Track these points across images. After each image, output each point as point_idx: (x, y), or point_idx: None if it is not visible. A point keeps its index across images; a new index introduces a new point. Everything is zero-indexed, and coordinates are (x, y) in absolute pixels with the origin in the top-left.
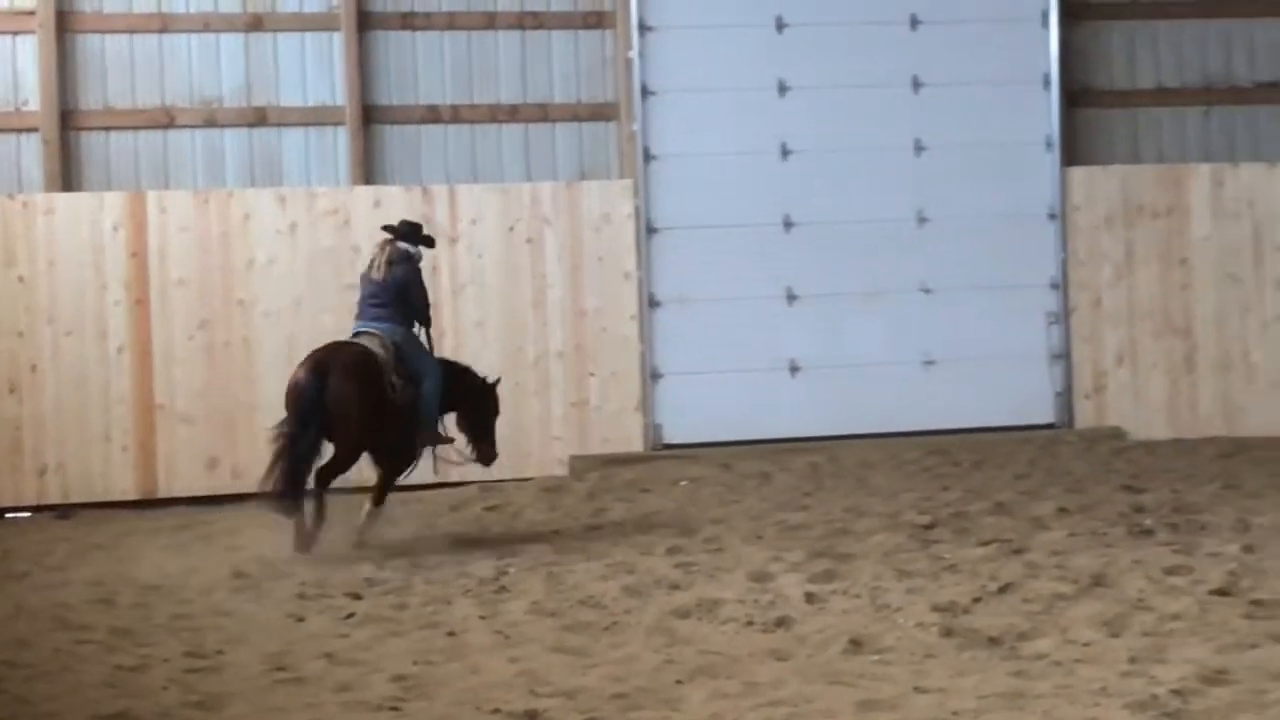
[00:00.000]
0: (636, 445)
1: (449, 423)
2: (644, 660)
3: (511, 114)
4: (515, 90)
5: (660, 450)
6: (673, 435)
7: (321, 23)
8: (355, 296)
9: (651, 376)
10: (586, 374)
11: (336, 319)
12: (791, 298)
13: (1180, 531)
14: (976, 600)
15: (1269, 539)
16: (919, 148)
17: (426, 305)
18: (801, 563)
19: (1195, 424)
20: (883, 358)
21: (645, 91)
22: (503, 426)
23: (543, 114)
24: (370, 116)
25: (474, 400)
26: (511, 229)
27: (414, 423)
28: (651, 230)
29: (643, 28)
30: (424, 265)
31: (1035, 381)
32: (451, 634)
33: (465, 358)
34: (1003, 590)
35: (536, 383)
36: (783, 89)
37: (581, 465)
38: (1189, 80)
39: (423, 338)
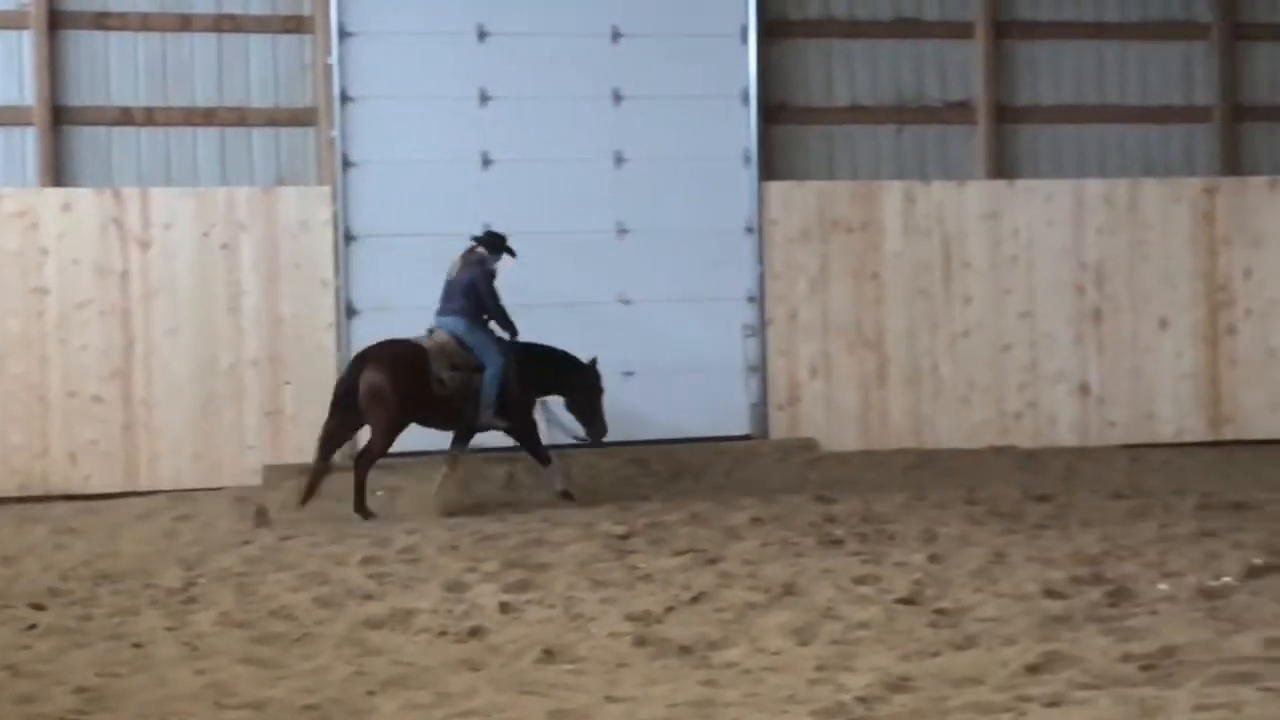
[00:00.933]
0: None
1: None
2: (335, 671)
3: (207, 117)
4: (211, 93)
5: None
6: None
7: (11, 21)
8: None
9: None
10: (282, 383)
11: (23, 323)
12: None
13: (869, 541)
14: (670, 609)
15: (954, 549)
16: (619, 160)
17: (496, 304)
18: (497, 572)
19: (885, 436)
20: None
21: (345, 97)
22: (195, 435)
23: (240, 118)
24: (60, 117)
25: (575, 383)
26: (206, 234)
27: (476, 406)
28: (350, 238)
29: (342, 33)
30: (116, 269)
31: (732, 393)
32: (137, 645)
33: (155, 366)
34: (695, 599)
35: (230, 391)
36: (484, 98)
37: (276, 475)
38: (883, 99)
39: (498, 332)
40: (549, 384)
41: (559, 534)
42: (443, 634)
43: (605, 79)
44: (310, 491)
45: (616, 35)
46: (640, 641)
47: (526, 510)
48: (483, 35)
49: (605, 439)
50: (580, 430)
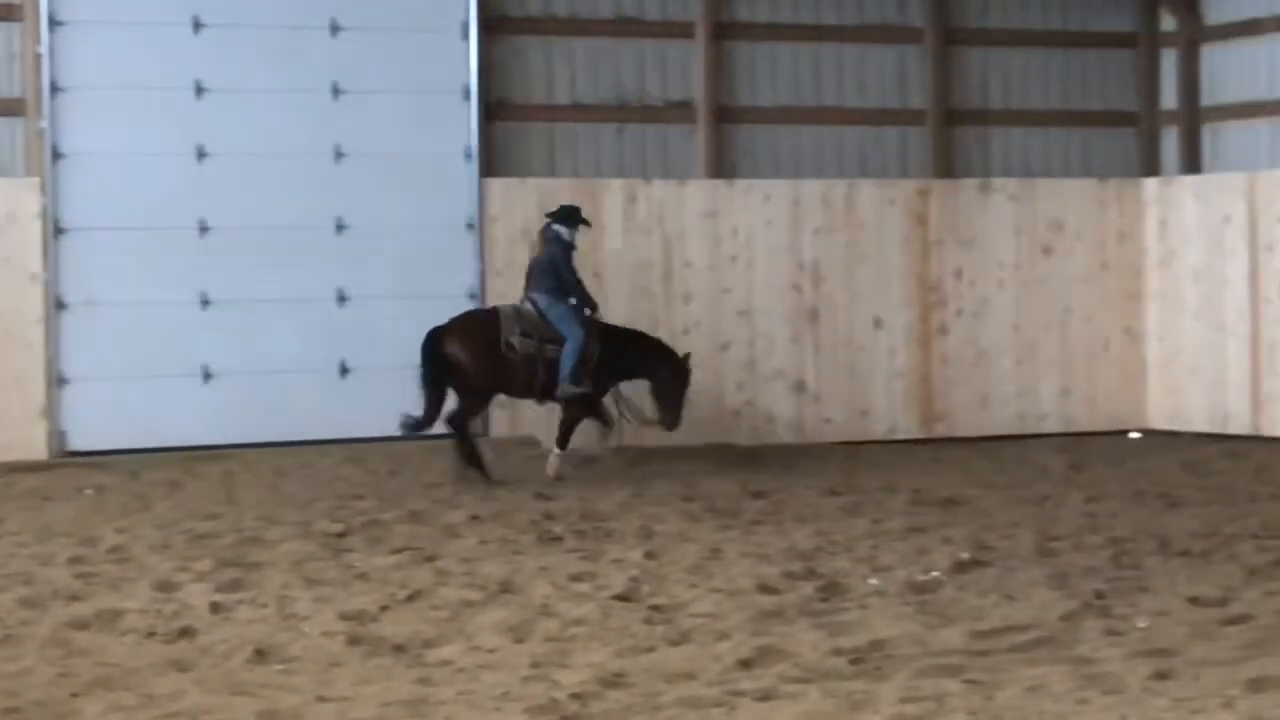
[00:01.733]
0: (40, 452)
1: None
2: (38, 673)
3: None
4: None
5: (65, 457)
6: (78, 442)
7: None
8: None
9: (57, 382)
10: None
11: None
12: (206, 303)
13: (587, 539)
14: (385, 608)
15: (670, 546)
16: (339, 155)
17: (574, 279)
18: (209, 572)
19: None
20: (298, 365)
21: (55, 88)
22: None
23: None
24: None
25: (663, 370)
26: None
27: (551, 376)
28: (59, 231)
29: (53, 22)
30: None
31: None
32: None
33: None
34: (411, 598)
35: None
36: (200, 90)
37: None
38: (604, 97)
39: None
40: (636, 367)
41: (274, 532)
42: (151, 635)
43: (324, 72)
44: (474, 461)
45: (336, 28)
46: (354, 640)
47: (240, 509)
48: (198, 26)
49: (674, 430)
50: (650, 415)
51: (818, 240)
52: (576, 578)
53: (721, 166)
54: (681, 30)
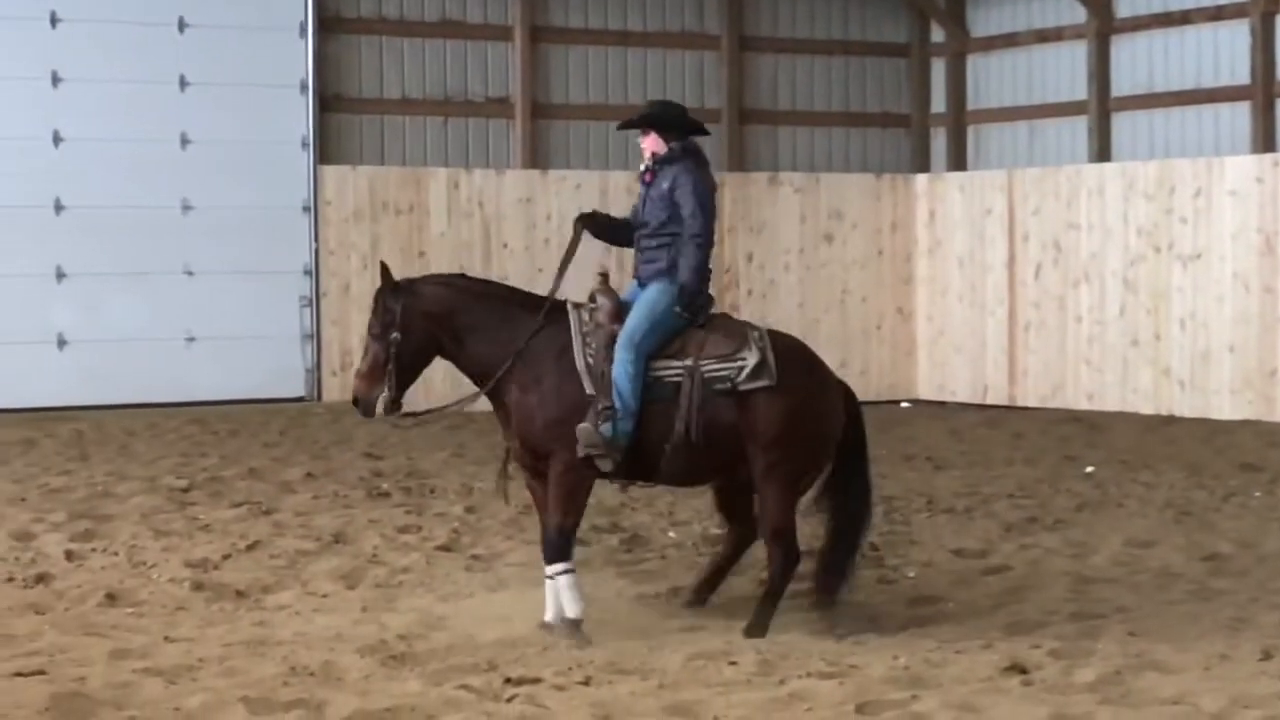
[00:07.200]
0: None
1: None
2: None
3: None
4: None
5: None
6: None
7: None
8: None
9: None
10: None
11: None
12: (61, 276)
13: (413, 495)
14: (226, 557)
15: (488, 501)
16: (185, 142)
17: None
18: (63, 523)
19: (430, 400)
20: (146, 334)
21: None
22: None
23: None
24: None
25: None
26: None
27: None
28: None
29: None
30: None
31: (289, 358)
32: None
33: None
34: (251, 548)
35: None
36: (56, 80)
37: None
38: (430, 92)
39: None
40: None
41: (124, 488)
42: (10, 580)
43: (172, 65)
44: None
45: (183, 25)
46: (198, 586)
47: (92, 466)
48: (55, 21)
49: None
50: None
51: None
52: (403, 530)
53: (536, 158)
54: (501, 33)
